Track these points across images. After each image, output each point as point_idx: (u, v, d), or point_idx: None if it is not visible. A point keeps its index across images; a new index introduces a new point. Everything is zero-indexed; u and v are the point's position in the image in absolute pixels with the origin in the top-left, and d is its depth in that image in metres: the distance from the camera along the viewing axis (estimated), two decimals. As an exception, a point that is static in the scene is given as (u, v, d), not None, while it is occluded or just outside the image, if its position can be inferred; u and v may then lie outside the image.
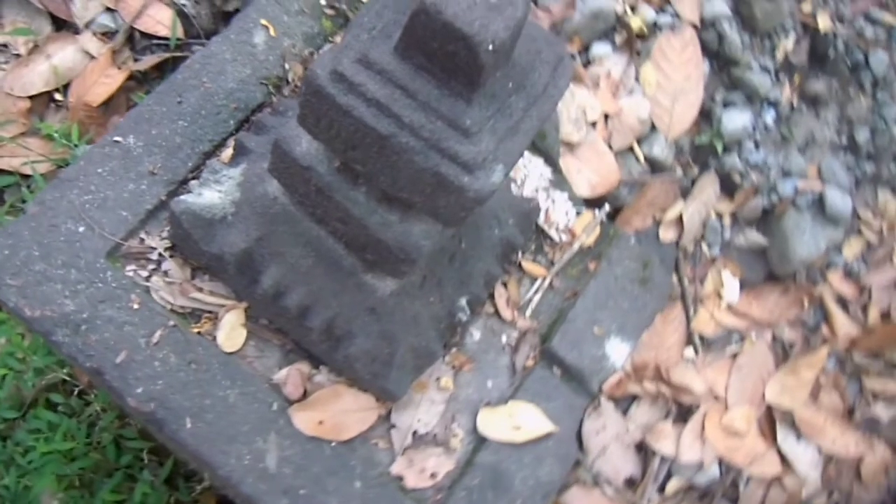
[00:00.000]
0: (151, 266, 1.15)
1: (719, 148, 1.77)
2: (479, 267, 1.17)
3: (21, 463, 1.47)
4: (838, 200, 1.81)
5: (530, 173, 1.36)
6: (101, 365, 1.07)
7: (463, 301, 1.16)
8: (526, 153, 1.37)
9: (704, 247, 1.86)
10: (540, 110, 0.87)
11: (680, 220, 1.79)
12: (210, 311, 1.15)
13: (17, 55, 1.61)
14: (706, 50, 1.75)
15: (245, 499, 1.08)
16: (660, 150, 1.73)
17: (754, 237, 1.85)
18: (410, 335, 1.10)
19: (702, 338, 1.84)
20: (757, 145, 1.80)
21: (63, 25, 1.66)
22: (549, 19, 1.65)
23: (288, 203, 1.06)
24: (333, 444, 1.13)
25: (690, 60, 1.73)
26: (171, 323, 1.11)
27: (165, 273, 1.15)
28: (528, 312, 1.28)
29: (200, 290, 1.15)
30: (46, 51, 1.62)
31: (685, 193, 1.80)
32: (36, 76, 1.61)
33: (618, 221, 1.74)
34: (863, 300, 1.90)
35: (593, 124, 1.65)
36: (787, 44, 1.78)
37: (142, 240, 1.15)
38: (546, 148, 1.39)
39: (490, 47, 0.76)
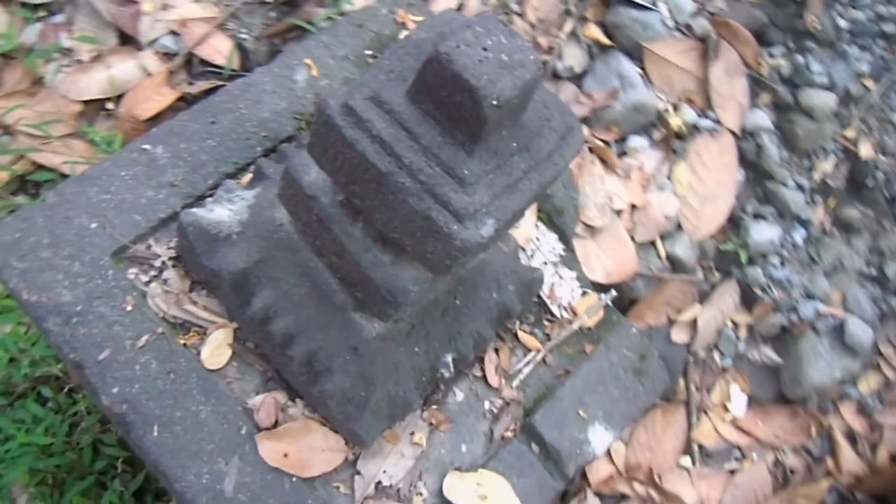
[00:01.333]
0: (153, 272, 1.17)
1: (744, 258, 1.76)
2: (471, 326, 1.16)
3: (-1, 450, 1.48)
4: (859, 331, 1.78)
5: (542, 246, 1.36)
6: (83, 359, 1.08)
7: (448, 357, 1.15)
8: (541, 226, 1.38)
9: (716, 355, 1.83)
10: (541, 175, 0.88)
11: (694, 323, 1.77)
12: (200, 326, 1.16)
13: (80, 61, 1.69)
14: (743, 159, 1.76)
15: (196, 518, 1.07)
16: (682, 249, 1.72)
17: (769, 354, 1.81)
18: (389, 382, 1.10)
19: (701, 448, 1.79)
20: (783, 262, 1.78)
21: (128, 41, 1.74)
22: (591, 105, 1.68)
23: (292, 231, 1.08)
24: (294, 479, 1.11)
25: (726, 167, 1.74)
26: (160, 330, 1.13)
27: (165, 281, 1.17)
28: (516, 383, 1.26)
29: (195, 303, 1.16)
30: (107, 61, 1.70)
31: (703, 298, 1.78)
32: (92, 83, 1.68)
33: (631, 314, 1.72)
34: (873, 438, 1.83)
35: (618, 213, 1.65)
36: (825, 166, 1.78)
37: (149, 246, 1.18)
38: (562, 224, 1.39)
39: (495, 102, 0.78)
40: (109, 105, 1.70)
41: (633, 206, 1.69)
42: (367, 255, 0.97)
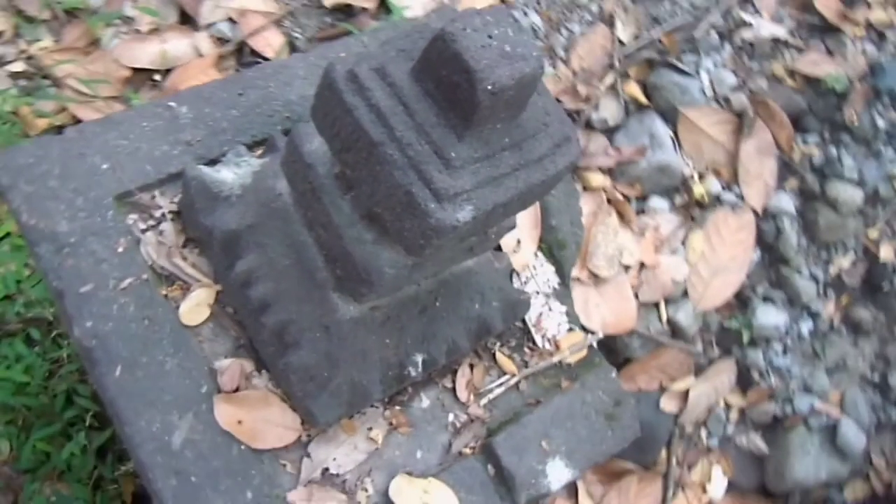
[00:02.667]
0: (151, 222, 1.20)
1: (746, 338, 1.73)
2: (447, 332, 1.16)
3: (-24, 383, 1.50)
4: (852, 435, 1.73)
5: (537, 276, 1.36)
6: (65, 288, 1.11)
7: (419, 357, 1.15)
8: (540, 256, 1.39)
9: (703, 433, 1.79)
10: (529, 175, 0.89)
11: (686, 395, 1.74)
12: (184, 281, 1.18)
13: (138, 30, 1.77)
14: (760, 239, 1.75)
15: (138, 464, 1.07)
16: (685, 317, 1.70)
17: (756, 442, 1.77)
18: (354, 368, 1.10)
19: (672, 525, 1.74)
20: (785, 350, 1.75)
21: (187, 20, 1.81)
22: (617, 158, 1.69)
23: (289, 203, 1.10)
24: (243, 447, 1.11)
25: (742, 243, 1.73)
26: (145, 277, 1.15)
27: (161, 233, 1.19)
28: (484, 402, 1.25)
29: (185, 259, 1.19)
30: (164, 36, 1.77)
31: (699, 371, 1.75)
32: (145, 53, 1.75)
33: (623, 373, 1.70)
34: (851, 549, 1.76)
35: (626, 268, 1.65)
36: (843, 261, 1.76)
37: (153, 196, 1.21)
38: (562, 258, 1.40)
39: (490, 87, 0.79)
40: (157, 77, 1.76)
41: (642, 265, 1.68)
42: (350, 230, 0.98)
